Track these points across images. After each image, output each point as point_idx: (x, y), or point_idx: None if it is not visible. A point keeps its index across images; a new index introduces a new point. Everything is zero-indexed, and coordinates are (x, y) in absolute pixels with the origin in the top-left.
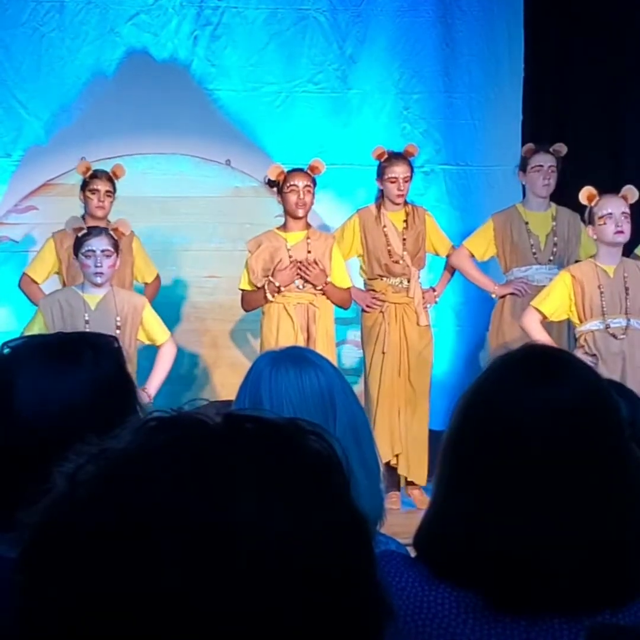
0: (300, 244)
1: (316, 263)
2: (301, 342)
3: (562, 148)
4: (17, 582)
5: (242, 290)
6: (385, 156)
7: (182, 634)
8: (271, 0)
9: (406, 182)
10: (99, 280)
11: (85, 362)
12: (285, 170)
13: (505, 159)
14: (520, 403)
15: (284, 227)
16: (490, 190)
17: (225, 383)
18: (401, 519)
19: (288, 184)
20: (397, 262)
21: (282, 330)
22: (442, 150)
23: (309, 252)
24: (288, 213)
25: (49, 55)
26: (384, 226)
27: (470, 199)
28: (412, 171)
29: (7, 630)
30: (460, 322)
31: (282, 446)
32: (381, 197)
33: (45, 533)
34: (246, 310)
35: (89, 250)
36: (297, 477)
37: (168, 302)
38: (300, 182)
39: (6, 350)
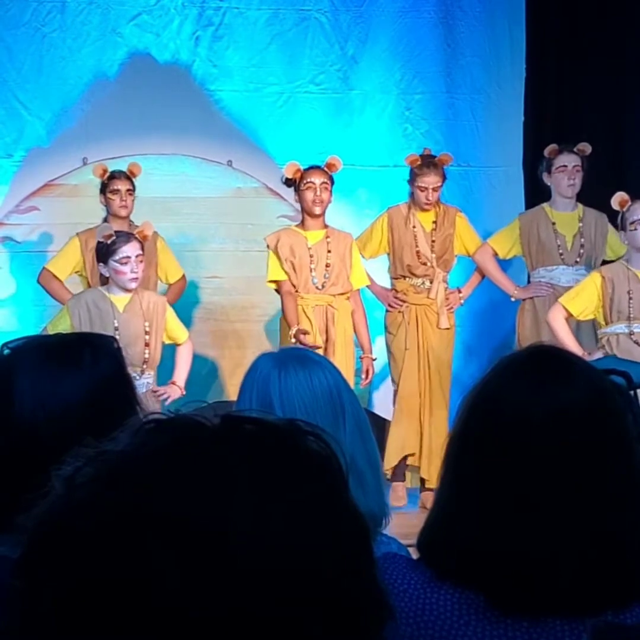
0: (320, 243)
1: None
2: (320, 344)
3: (586, 147)
4: (17, 584)
5: (273, 281)
6: (418, 163)
7: (181, 633)
8: (273, 1)
9: (436, 191)
10: (134, 285)
11: (85, 363)
12: (302, 168)
13: (507, 160)
14: (524, 404)
15: (302, 225)
16: (492, 191)
17: (229, 383)
18: (405, 520)
19: (305, 182)
20: (424, 263)
21: None
22: (443, 151)
23: (329, 251)
24: (305, 211)
25: (51, 56)
26: (413, 226)
27: (472, 200)
28: (444, 179)
29: (7, 631)
30: (462, 323)
31: (280, 447)
32: (412, 197)
33: (44, 536)
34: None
35: (124, 257)
36: (296, 478)
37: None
38: (317, 179)
39: (6, 351)
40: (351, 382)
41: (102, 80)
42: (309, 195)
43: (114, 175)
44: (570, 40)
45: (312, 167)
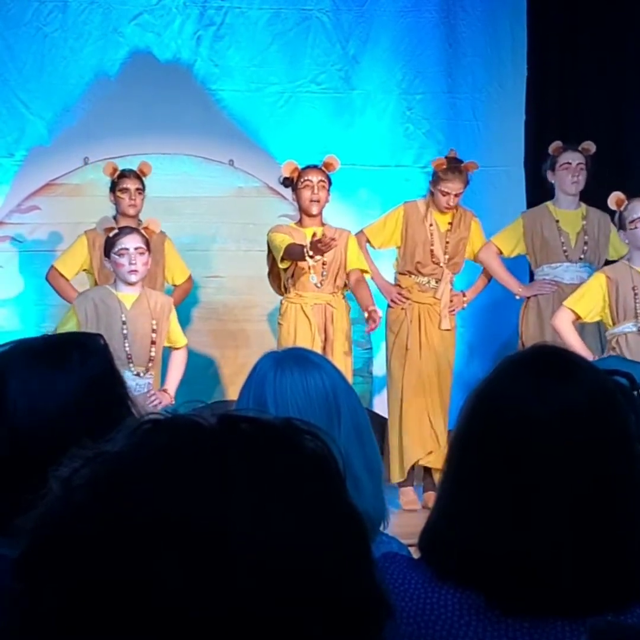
0: None
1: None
2: (319, 343)
3: (590, 146)
4: (16, 586)
5: (281, 253)
6: (443, 167)
7: (181, 633)
8: (274, 1)
9: (457, 196)
10: (133, 278)
11: (74, 363)
12: (299, 166)
13: (509, 159)
14: (527, 403)
15: (299, 223)
16: (493, 191)
17: (230, 383)
18: (406, 519)
19: (302, 180)
20: (435, 262)
21: (299, 332)
22: (445, 151)
23: None
24: (302, 210)
25: (52, 55)
26: (430, 225)
27: (473, 199)
28: (466, 185)
29: (7, 631)
30: (464, 323)
31: (277, 446)
32: (431, 196)
33: (44, 538)
34: (287, 259)
35: (122, 249)
36: (293, 477)
37: None
38: (314, 177)
39: None
40: (350, 381)
41: (104, 79)
42: (306, 194)
43: (124, 174)
44: (571, 40)
45: (309, 166)
